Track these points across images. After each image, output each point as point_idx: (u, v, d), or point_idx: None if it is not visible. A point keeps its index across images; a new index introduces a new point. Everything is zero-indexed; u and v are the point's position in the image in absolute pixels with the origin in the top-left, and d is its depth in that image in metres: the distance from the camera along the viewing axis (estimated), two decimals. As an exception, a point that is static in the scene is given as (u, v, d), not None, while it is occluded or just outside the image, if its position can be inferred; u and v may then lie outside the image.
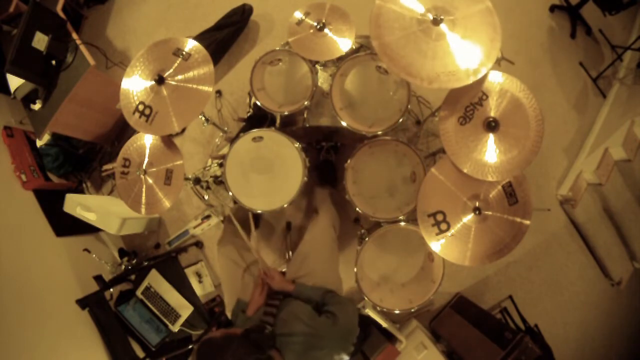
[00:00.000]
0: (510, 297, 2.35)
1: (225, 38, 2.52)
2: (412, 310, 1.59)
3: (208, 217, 2.50)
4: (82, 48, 2.24)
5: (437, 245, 1.39)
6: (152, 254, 2.59)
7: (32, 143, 2.53)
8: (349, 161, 1.66)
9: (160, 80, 1.50)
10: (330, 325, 1.21)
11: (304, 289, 1.40)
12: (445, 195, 1.39)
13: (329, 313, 1.27)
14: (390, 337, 2.03)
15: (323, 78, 1.84)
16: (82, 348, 2.02)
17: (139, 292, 2.20)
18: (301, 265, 1.54)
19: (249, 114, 2.16)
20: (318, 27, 1.70)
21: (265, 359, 1.00)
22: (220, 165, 2.21)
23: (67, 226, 2.35)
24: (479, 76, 1.23)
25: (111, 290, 2.16)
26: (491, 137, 1.31)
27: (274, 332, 1.17)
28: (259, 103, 1.71)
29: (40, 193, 2.37)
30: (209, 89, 1.48)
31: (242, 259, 1.62)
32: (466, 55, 1.24)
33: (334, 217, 1.86)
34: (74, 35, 2.33)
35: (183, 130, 2.62)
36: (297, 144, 1.63)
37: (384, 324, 1.96)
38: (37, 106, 2.24)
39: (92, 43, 2.48)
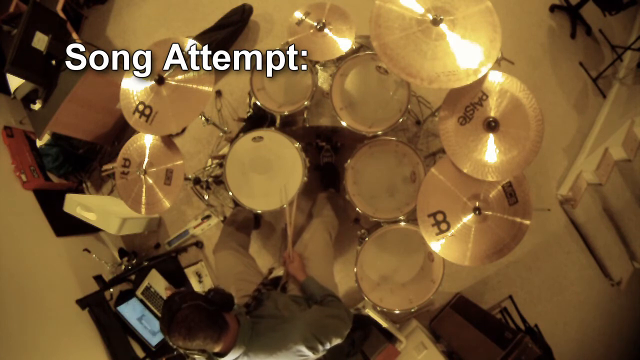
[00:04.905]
0: (510, 297, 2.35)
1: (225, 38, 2.52)
2: (412, 310, 1.59)
3: (208, 217, 2.50)
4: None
5: (437, 245, 1.39)
6: (152, 254, 2.58)
7: (32, 143, 2.53)
8: (349, 161, 1.67)
9: (160, 80, 1.50)
10: (298, 311, 1.19)
11: (312, 283, 1.41)
12: (445, 195, 1.39)
13: (308, 305, 1.28)
14: (390, 337, 2.03)
15: (323, 78, 1.84)
16: (82, 348, 2.02)
17: (138, 292, 2.20)
18: None
19: (249, 114, 2.16)
20: (318, 27, 1.70)
21: (213, 310, 0.98)
22: (220, 165, 2.21)
23: (67, 226, 2.35)
24: (479, 76, 1.23)
25: (111, 290, 2.16)
26: (491, 137, 1.31)
27: (251, 312, 1.17)
28: (259, 103, 1.71)
29: (40, 193, 2.36)
30: (209, 89, 1.48)
31: (238, 263, 1.61)
32: (466, 55, 1.24)
33: (331, 223, 1.85)
34: (74, 35, 2.33)
35: (183, 130, 2.61)
36: (297, 144, 1.63)
37: (384, 324, 1.96)
38: (37, 106, 2.24)
39: (92, 43, 2.47)
